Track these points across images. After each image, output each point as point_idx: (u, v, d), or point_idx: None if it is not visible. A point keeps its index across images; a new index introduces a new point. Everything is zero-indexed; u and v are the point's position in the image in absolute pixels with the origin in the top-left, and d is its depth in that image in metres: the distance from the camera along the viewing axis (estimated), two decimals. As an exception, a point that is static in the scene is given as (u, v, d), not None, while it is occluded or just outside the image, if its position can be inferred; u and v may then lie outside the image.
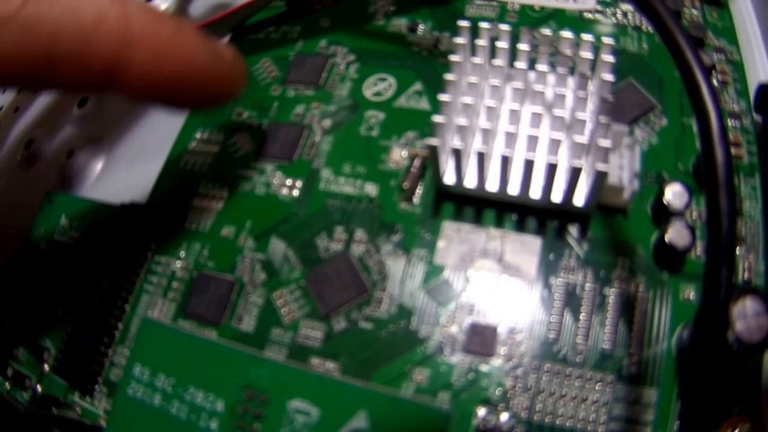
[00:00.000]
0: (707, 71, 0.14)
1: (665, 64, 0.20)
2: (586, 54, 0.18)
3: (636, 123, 0.19)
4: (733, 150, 0.19)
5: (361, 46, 0.23)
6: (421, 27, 0.23)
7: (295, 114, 0.22)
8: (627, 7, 0.22)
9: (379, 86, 0.22)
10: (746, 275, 0.17)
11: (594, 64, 0.18)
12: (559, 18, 0.22)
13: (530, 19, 0.22)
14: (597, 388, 0.16)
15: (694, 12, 0.22)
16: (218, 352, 0.17)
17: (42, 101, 0.28)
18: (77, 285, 0.20)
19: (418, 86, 0.21)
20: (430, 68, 0.22)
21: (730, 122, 0.20)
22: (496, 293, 0.17)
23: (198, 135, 0.22)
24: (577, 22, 0.22)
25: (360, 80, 0.22)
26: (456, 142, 0.17)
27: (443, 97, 0.17)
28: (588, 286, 0.17)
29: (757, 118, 0.19)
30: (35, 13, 0.13)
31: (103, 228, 0.21)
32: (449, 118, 0.17)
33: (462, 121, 0.17)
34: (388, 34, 0.23)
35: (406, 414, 0.16)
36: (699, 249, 0.17)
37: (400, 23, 0.23)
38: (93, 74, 0.14)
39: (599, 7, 0.22)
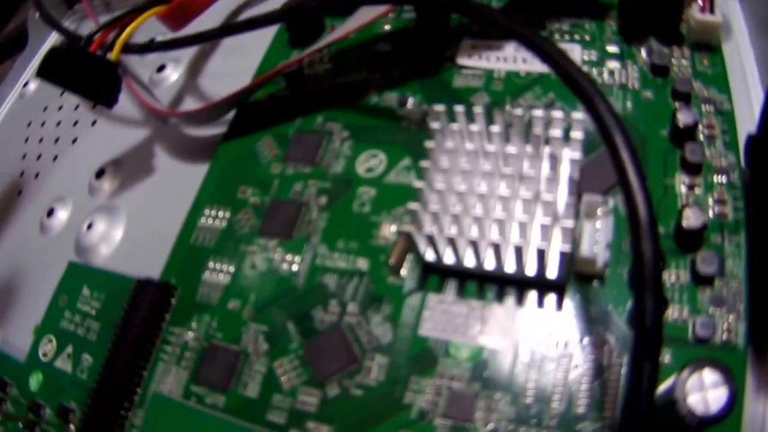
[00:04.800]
0: (635, 155, 0.18)
1: (650, 122, 0.24)
2: (556, 133, 0.22)
3: (615, 187, 0.23)
4: (717, 208, 0.23)
5: (354, 122, 0.28)
6: (410, 100, 0.28)
7: (294, 191, 0.27)
8: (614, 65, 0.27)
9: (371, 162, 0.27)
10: (725, 336, 0.21)
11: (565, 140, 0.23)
12: (545, 83, 0.27)
13: (516, 86, 0.27)
14: None
15: (684, 62, 0.26)
16: (224, 427, 0.23)
17: (62, 168, 0.35)
18: (99, 351, 0.27)
19: (407, 161, 0.27)
20: (418, 142, 0.27)
21: (716, 178, 0.23)
22: (475, 361, 0.22)
23: (207, 212, 0.28)
24: (562, 86, 0.26)
25: (353, 157, 0.27)
26: (428, 228, 0.22)
27: (418, 184, 0.22)
28: (564, 352, 0.21)
29: (746, 170, 0.23)
30: None
31: (121, 299, 0.27)
32: (424, 203, 0.22)
33: (434, 207, 0.22)
34: (380, 109, 0.29)
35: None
36: (675, 312, 0.21)
37: (392, 97, 0.29)
38: None
39: (585, 69, 0.27)
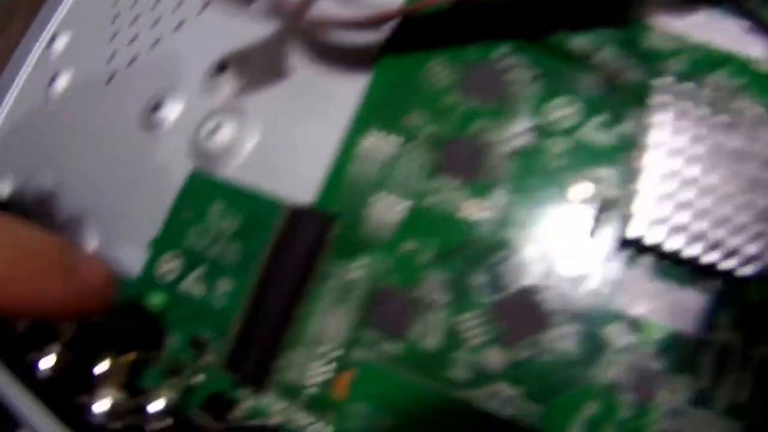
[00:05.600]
0: None
1: None
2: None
3: None
4: None
5: (542, 61, 0.26)
6: (603, 50, 0.26)
7: (475, 128, 0.25)
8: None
9: (564, 111, 0.25)
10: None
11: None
12: (736, 63, 0.25)
13: (707, 60, 0.25)
14: None
15: None
16: (439, 398, 0.22)
17: (166, 56, 0.31)
18: (240, 278, 0.24)
19: (601, 118, 0.25)
20: (613, 99, 0.25)
21: None
22: (664, 341, 0.22)
23: (372, 135, 0.26)
24: (746, 69, 0.25)
25: (543, 101, 0.25)
26: (647, 212, 0.21)
27: (640, 162, 0.22)
28: (737, 345, 0.21)
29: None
30: None
31: (267, 222, 0.25)
32: (644, 184, 0.22)
33: (656, 192, 0.21)
34: (570, 51, 0.26)
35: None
36: None
37: (583, 41, 0.26)
38: None
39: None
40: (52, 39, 0.36)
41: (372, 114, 0.26)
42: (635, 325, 0.22)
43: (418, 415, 0.22)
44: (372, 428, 0.22)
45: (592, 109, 0.25)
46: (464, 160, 0.25)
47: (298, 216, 0.24)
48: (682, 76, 0.24)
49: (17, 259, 0.18)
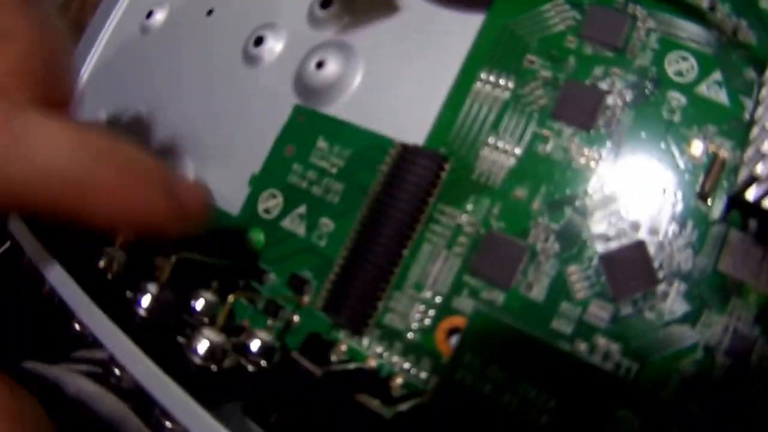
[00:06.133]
0: None
1: None
2: None
3: None
4: None
5: (660, 12, 0.25)
6: (719, 7, 0.25)
7: (593, 76, 0.24)
8: None
9: (681, 65, 0.24)
10: None
11: None
12: None
13: None
14: None
15: None
16: (555, 354, 0.21)
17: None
18: (344, 217, 0.25)
19: (717, 75, 0.24)
20: (729, 59, 0.24)
21: None
22: (762, 308, 0.21)
23: (484, 75, 0.25)
24: None
25: (662, 53, 0.24)
26: (764, 176, 0.20)
27: (761, 122, 0.21)
28: None
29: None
30: None
31: (373, 161, 0.25)
32: (762, 146, 0.20)
33: None
34: (688, 5, 0.25)
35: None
36: None
37: None
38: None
39: None
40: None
41: (486, 53, 0.26)
42: (737, 288, 0.22)
43: (524, 364, 0.21)
44: (480, 378, 0.22)
45: (709, 65, 0.24)
46: (579, 108, 0.24)
47: (409, 154, 0.24)
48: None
49: (125, 169, 0.19)
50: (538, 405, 0.20)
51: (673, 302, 0.22)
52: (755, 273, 0.22)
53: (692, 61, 0.24)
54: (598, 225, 0.23)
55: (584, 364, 0.21)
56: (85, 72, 0.36)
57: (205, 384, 0.20)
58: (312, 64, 0.28)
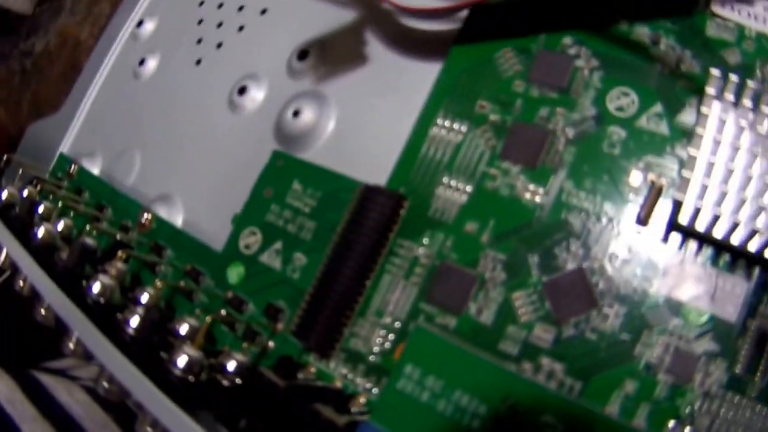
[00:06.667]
0: None
1: None
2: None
3: None
4: None
5: (604, 51, 0.27)
6: (663, 40, 0.27)
7: (539, 116, 0.27)
8: None
9: (622, 101, 0.27)
10: None
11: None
12: None
13: (765, 51, 0.26)
14: (762, 420, 0.22)
15: None
16: (484, 365, 0.23)
17: (250, 41, 0.34)
18: (315, 252, 0.27)
19: (658, 108, 0.26)
20: (671, 90, 0.26)
21: None
22: (703, 326, 0.23)
23: (440, 121, 0.28)
24: None
25: (604, 91, 0.27)
26: (693, 197, 0.23)
27: (691, 151, 0.23)
28: None
29: None
30: None
31: (342, 201, 0.28)
32: (693, 170, 0.23)
33: (701, 177, 0.23)
34: (631, 42, 0.28)
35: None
36: None
37: (643, 32, 0.28)
38: None
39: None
40: (139, 24, 0.40)
41: (442, 101, 0.28)
42: (678, 309, 0.24)
43: (462, 379, 0.23)
44: (420, 389, 0.24)
45: (650, 98, 0.26)
46: (526, 147, 0.27)
47: (371, 194, 0.27)
48: (741, 66, 0.25)
49: None
50: (470, 411, 0.22)
51: (613, 324, 0.24)
52: (695, 293, 0.24)
53: (633, 96, 0.27)
54: (541, 254, 0.25)
55: (509, 373, 0.23)
56: (81, 113, 0.39)
57: (183, 393, 0.23)
58: (289, 113, 0.31)
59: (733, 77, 0.24)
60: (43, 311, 0.28)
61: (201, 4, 0.38)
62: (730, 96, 0.24)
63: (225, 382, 0.25)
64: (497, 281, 0.25)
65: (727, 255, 0.24)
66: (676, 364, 0.23)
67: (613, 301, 0.24)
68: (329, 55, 0.32)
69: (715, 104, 0.24)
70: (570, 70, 0.27)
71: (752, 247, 0.23)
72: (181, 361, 0.24)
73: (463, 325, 0.25)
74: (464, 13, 0.30)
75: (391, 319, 0.26)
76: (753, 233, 0.22)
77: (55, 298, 0.25)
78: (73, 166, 0.37)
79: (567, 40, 0.28)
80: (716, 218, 0.23)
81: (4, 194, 0.32)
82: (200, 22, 0.37)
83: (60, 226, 0.31)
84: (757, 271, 0.23)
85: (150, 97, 0.37)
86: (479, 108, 0.28)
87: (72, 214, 0.33)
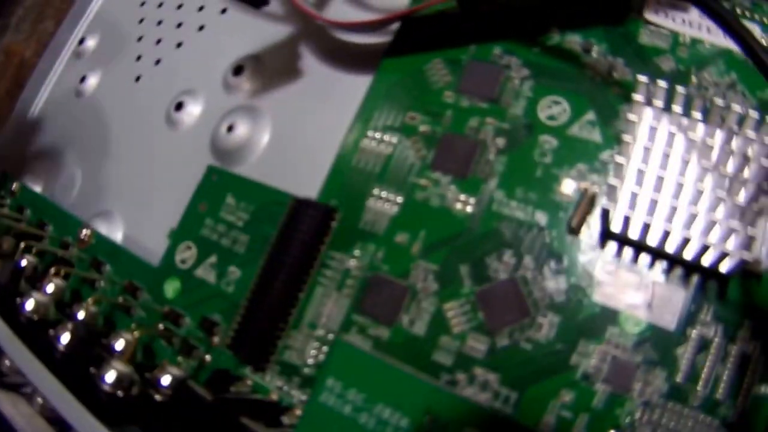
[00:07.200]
0: None
1: None
2: (754, 114, 0.23)
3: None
4: None
5: (534, 60, 0.28)
6: (595, 48, 0.28)
7: (469, 127, 0.27)
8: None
9: (554, 110, 0.27)
10: None
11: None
12: (728, 59, 0.26)
13: (700, 57, 0.26)
14: (705, 430, 0.22)
15: None
16: (405, 378, 0.23)
17: (188, 57, 0.34)
18: (248, 265, 0.27)
19: (590, 116, 0.26)
20: (603, 97, 0.27)
21: None
22: (640, 334, 0.23)
23: (371, 133, 0.28)
24: (745, 66, 0.26)
25: (534, 100, 0.27)
26: (623, 205, 0.23)
27: (618, 159, 0.23)
28: (716, 341, 0.23)
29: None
30: None
31: (274, 214, 0.27)
32: (623, 180, 0.23)
33: (631, 185, 0.23)
34: (562, 50, 0.28)
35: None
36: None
37: (575, 40, 0.28)
38: None
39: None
40: (81, 41, 0.40)
41: (373, 113, 0.29)
42: (614, 317, 0.24)
43: (383, 392, 0.23)
44: (342, 402, 0.23)
45: (582, 106, 0.27)
46: (456, 157, 0.27)
47: (301, 207, 0.27)
48: (675, 73, 0.26)
49: None
50: (393, 424, 0.22)
51: (548, 333, 0.24)
52: (632, 301, 0.24)
53: (565, 104, 0.27)
54: (473, 264, 0.25)
55: (430, 386, 0.23)
56: (22, 131, 0.39)
57: (112, 409, 0.23)
58: (223, 128, 0.31)
59: (662, 83, 0.24)
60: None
61: (141, 21, 0.38)
62: (659, 102, 0.24)
63: (157, 397, 0.25)
64: (429, 292, 0.25)
65: (664, 263, 0.24)
66: (614, 374, 0.23)
67: (546, 311, 0.24)
68: (264, 70, 0.32)
69: (646, 110, 0.24)
70: (500, 80, 0.28)
71: (688, 255, 0.23)
72: (109, 376, 0.24)
73: (396, 336, 0.25)
74: (395, 26, 0.30)
75: (324, 330, 0.26)
76: (686, 241, 0.23)
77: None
78: (14, 184, 0.37)
79: (497, 50, 0.28)
80: (647, 226, 0.23)
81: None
82: (140, 39, 0.37)
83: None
84: (695, 279, 0.23)
85: (90, 113, 0.37)
86: (409, 119, 0.28)
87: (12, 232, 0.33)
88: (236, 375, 0.27)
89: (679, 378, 0.22)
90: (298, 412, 0.25)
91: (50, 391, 0.23)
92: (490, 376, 0.24)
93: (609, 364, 0.23)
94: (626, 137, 0.24)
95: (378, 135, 0.28)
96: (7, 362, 0.26)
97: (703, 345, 0.23)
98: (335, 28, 0.31)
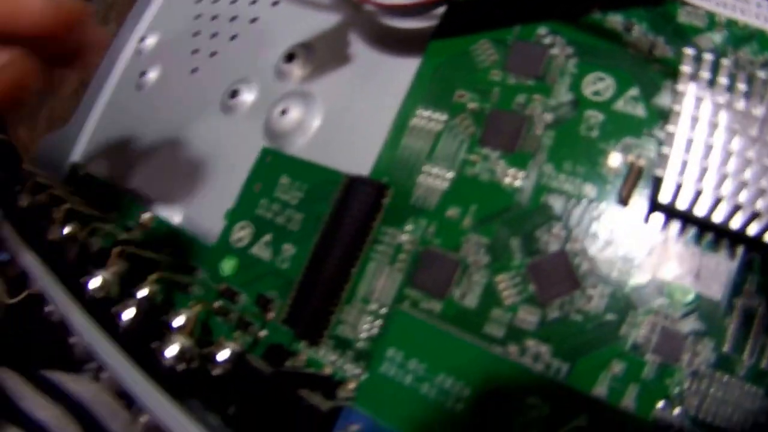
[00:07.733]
0: None
1: None
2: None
3: None
4: None
5: (578, 39, 0.28)
6: (636, 27, 0.28)
7: (516, 103, 0.27)
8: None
9: (598, 85, 0.27)
10: None
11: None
12: (761, 39, 0.26)
13: (735, 36, 0.26)
14: (751, 399, 0.22)
15: None
16: (468, 348, 0.24)
17: (242, 48, 0.35)
18: (302, 242, 0.28)
19: (634, 91, 0.26)
20: (645, 74, 0.27)
21: None
22: (689, 305, 0.23)
23: (420, 112, 0.29)
24: None
25: (579, 76, 0.27)
26: (674, 174, 0.22)
27: (670, 128, 0.23)
28: (761, 311, 0.23)
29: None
30: None
31: (327, 193, 0.28)
32: (675, 150, 0.23)
33: (681, 154, 0.23)
34: (605, 29, 0.28)
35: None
36: None
37: (616, 20, 0.28)
38: None
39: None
40: (142, 39, 0.41)
41: (421, 93, 0.29)
42: (663, 288, 0.23)
43: (445, 361, 0.24)
44: (404, 372, 0.24)
45: (626, 82, 0.27)
46: (504, 133, 0.27)
47: (354, 184, 0.28)
48: (711, 51, 0.25)
49: None
50: (454, 394, 0.23)
51: (598, 304, 0.24)
52: (680, 272, 0.24)
53: (609, 80, 0.27)
54: (524, 237, 0.26)
55: (492, 355, 0.24)
56: (88, 125, 0.41)
57: (174, 382, 0.24)
58: (277, 112, 0.32)
59: (707, 56, 0.24)
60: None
61: (197, 17, 0.39)
62: (705, 74, 0.24)
63: (216, 371, 0.26)
64: (480, 265, 0.26)
65: (711, 234, 0.24)
66: (663, 344, 0.23)
67: (596, 282, 0.24)
68: (314, 57, 0.33)
69: (691, 83, 0.24)
70: (545, 58, 0.28)
71: (734, 225, 0.23)
72: (171, 350, 0.25)
73: (448, 309, 0.25)
74: (441, 10, 0.30)
75: (377, 305, 0.26)
76: (735, 210, 0.22)
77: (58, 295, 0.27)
78: (83, 173, 0.39)
79: (541, 30, 0.29)
80: (698, 194, 0.23)
81: (21, 201, 0.33)
82: (196, 34, 0.39)
83: (67, 229, 0.32)
84: (741, 250, 0.23)
85: (151, 105, 0.38)
86: (458, 97, 0.28)
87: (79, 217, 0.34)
88: (290, 350, 0.27)
89: (726, 348, 0.22)
90: (351, 385, 0.26)
91: (118, 366, 0.24)
92: (542, 348, 0.24)
93: (658, 335, 0.23)
94: (676, 107, 0.23)
95: (427, 113, 0.29)
96: (72, 339, 0.28)
97: (749, 316, 0.23)
98: (383, 13, 0.32)
